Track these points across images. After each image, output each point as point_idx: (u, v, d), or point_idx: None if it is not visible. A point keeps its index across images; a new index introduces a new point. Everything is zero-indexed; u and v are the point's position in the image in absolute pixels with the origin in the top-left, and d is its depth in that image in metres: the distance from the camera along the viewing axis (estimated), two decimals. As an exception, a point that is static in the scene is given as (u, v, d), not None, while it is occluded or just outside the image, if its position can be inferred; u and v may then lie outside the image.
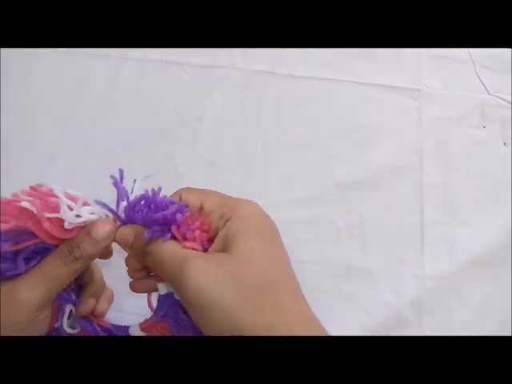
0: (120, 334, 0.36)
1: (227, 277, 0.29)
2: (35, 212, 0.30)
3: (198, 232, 0.32)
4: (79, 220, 0.31)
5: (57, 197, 0.31)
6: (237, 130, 0.53)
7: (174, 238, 0.32)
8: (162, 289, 0.33)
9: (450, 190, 0.51)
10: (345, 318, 0.46)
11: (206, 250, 0.32)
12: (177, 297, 0.33)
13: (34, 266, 0.31)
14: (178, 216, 0.32)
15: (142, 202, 0.33)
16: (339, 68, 0.56)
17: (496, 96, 0.55)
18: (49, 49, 0.55)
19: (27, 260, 0.31)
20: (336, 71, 0.56)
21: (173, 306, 0.33)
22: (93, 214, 0.32)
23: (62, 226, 0.31)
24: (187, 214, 0.33)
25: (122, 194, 0.33)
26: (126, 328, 0.35)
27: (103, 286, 0.38)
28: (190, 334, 0.33)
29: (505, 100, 0.55)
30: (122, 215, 0.33)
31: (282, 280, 0.30)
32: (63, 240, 0.32)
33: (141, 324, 0.34)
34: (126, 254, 0.35)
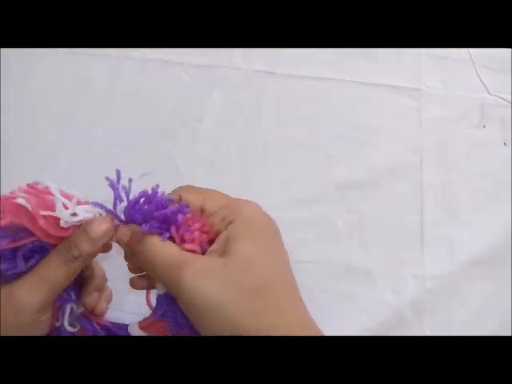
0: (119, 332, 0.36)
1: (225, 279, 0.29)
2: (30, 209, 0.30)
3: (197, 233, 0.32)
4: (75, 219, 0.31)
5: (52, 195, 0.31)
6: (237, 129, 0.53)
7: (170, 238, 0.32)
8: (161, 288, 0.33)
9: (450, 189, 0.51)
10: (345, 317, 0.46)
11: (204, 251, 0.32)
12: None
13: (33, 265, 0.31)
14: (179, 217, 0.32)
15: (142, 200, 0.33)
16: (339, 68, 0.56)
17: (496, 96, 0.55)
18: (49, 49, 0.55)
19: (26, 259, 0.31)
20: (336, 71, 0.56)
21: (172, 304, 0.33)
22: (88, 212, 0.32)
23: (58, 224, 0.31)
24: (188, 214, 0.33)
25: (119, 195, 0.33)
26: (125, 326, 0.35)
27: (104, 282, 0.38)
28: (188, 333, 0.33)
29: (505, 100, 0.55)
30: (122, 215, 0.33)
31: (280, 282, 0.30)
32: (59, 238, 0.31)
33: (140, 322, 0.34)
34: (126, 253, 0.35)
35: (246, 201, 0.33)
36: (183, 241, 0.32)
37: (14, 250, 0.31)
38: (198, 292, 0.29)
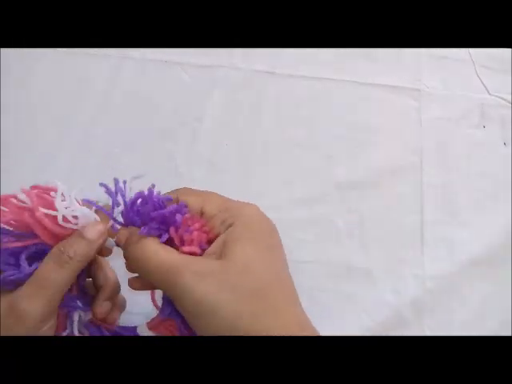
0: (128, 334, 0.36)
1: (222, 282, 0.29)
2: (29, 203, 0.30)
3: (196, 233, 0.32)
4: (73, 214, 0.31)
5: (54, 190, 0.31)
6: (237, 129, 0.53)
7: (169, 238, 0.32)
8: None
9: (450, 189, 0.51)
10: (345, 317, 0.46)
11: (203, 251, 0.32)
12: None
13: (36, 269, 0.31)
14: (178, 217, 0.32)
15: (139, 201, 0.33)
16: (339, 68, 0.56)
17: (496, 96, 0.55)
18: (49, 49, 0.55)
19: (30, 263, 0.31)
20: (336, 71, 0.56)
21: None
22: (87, 215, 0.32)
23: (57, 223, 0.31)
24: (186, 215, 0.33)
25: (116, 200, 0.33)
26: (134, 328, 0.35)
27: (117, 291, 0.37)
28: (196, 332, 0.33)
29: (505, 100, 0.55)
30: (121, 219, 0.33)
31: (278, 284, 0.30)
32: (59, 239, 0.32)
33: (148, 323, 0.34)
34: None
35: (245, 203, 0.33)
36: (182, 242, 0.32)
37: (18, 254, 0.31)
38: (194, 294, 0.29)
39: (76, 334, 0.34)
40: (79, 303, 0.34)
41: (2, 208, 0.30)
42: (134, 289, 0.36)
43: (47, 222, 0.30)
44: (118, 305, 0.37)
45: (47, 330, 0.31)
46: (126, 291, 0.38)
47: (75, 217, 0.31)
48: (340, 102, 0.55)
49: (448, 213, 0.50)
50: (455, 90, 0.55)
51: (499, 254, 0.48)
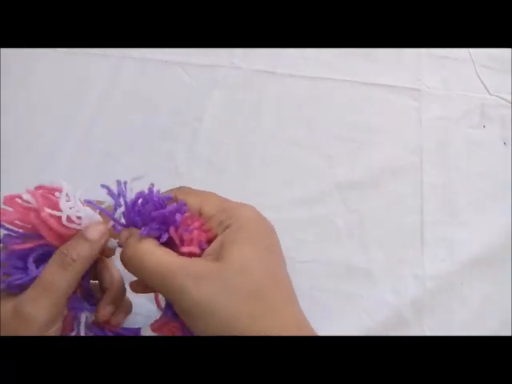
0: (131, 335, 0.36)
1: (220, 283, 0.29)
2: (34, 204, 0.30)
3: (196, 232, 0.32)
4: (77, 214, 0.31)
5: (59, 191, 0.31)
6: (237, 130, 0.53)
7: (169, 238, 0.32)
8: None
9: (450, 189, 0.51)
10: (345, 317, 0.46)
11: (202, 251, 0.32)
12: None
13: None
14: (178, 216, 0.32)
15: (140, 201, 0.33)
16: (339, 68, 0.56)
17: (496, 96, 0.55)
18: (49, 49, 0.55)
19: (37, 266, 0.31)
20: (336, 71, 0.56)
21: None
22: (90, 215, 0.32)
23: (62, 224, 0.31)
24: (186, 214, 0.33)
25: (118, 201, 0.33)
26: (138, 330, 0.35)
27: (123, 294, 0.37)
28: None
29: (505, 100, 0.55)
30: (123, 220, 0.33)
31: (275, 284, 0.30)
32: (64, 240, 0.31)
33: (152, 325, 0.34)
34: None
35: (242, 204, 0.33)
36: (182, 241, 0.32)
37: (25, 256, 0.31)
38: (192, 296, 0.28)
39: (82, 334, 0.34)
40: (86, 304, 0.34)
41: (8, 208, 0.30)
42: (136, 292, 0.36)
43: (53, 222, 0.30)
44: (124, 308, 0.37)
45: (53, 332, 0.31)
46: (128, 292, 0.38)
47: (79, 217, 0.31)
48: (340, 102, 0.55)
49: (448, 213, 0.50)
50: (455, 90, 0.55)
51: (499, 254, 0.48)
